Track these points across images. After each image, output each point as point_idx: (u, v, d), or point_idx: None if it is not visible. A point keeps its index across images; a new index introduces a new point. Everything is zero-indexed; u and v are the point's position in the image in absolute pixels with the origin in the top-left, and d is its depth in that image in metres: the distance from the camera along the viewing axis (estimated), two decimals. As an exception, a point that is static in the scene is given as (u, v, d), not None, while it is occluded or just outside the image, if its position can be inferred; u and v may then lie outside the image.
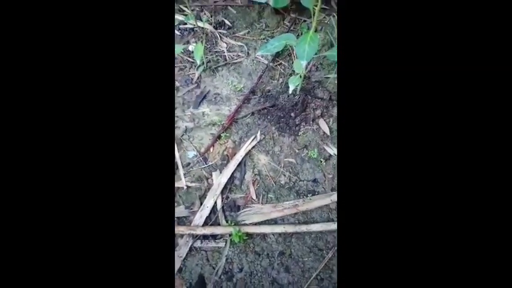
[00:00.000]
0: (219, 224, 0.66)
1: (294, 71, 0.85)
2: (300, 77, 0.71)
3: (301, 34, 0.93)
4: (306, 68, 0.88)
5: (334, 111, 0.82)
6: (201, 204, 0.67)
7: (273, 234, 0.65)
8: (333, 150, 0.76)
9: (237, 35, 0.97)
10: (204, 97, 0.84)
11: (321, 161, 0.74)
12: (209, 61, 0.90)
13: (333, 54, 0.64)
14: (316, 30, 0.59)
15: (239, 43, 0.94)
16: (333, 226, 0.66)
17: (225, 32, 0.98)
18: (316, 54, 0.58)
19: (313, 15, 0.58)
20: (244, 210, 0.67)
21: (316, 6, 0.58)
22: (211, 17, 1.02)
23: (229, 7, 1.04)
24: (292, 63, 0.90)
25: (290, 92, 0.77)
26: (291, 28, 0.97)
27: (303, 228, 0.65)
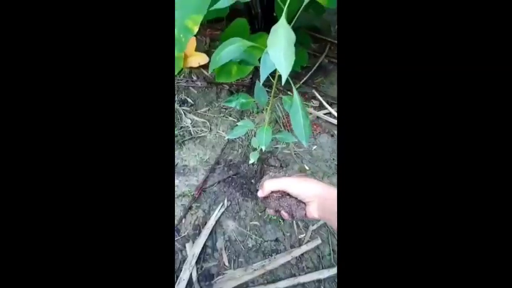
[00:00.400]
0: (195, 297, 0.68)
1: (250, 144, 1.03)
2: (258, 152, 0.88)
3: (254, 112, 1.15)
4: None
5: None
6: (177, 277, 0.69)
7: (246, 298, 0.71)
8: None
9: (199, 111, 1.13)
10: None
11: (280, 221, 0.88)
12: (176, 135, 1.01)
13: (281, 136, 0.84)
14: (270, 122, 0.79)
15: (202, 119, 1.09)
16: (295, 281, 0.76)
17: (188, 109, 1.13)
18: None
19: (266, 111, 0.78)
20: (219, 277, 0.72)
21: (268, 105, 0.79)
22: (175, 95, 1.16)
23: (190, 87, 1.21)
24: (248, 135, 1.09)
25: (250, 163, 0.92)
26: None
27: (272, 287, 0.73)
